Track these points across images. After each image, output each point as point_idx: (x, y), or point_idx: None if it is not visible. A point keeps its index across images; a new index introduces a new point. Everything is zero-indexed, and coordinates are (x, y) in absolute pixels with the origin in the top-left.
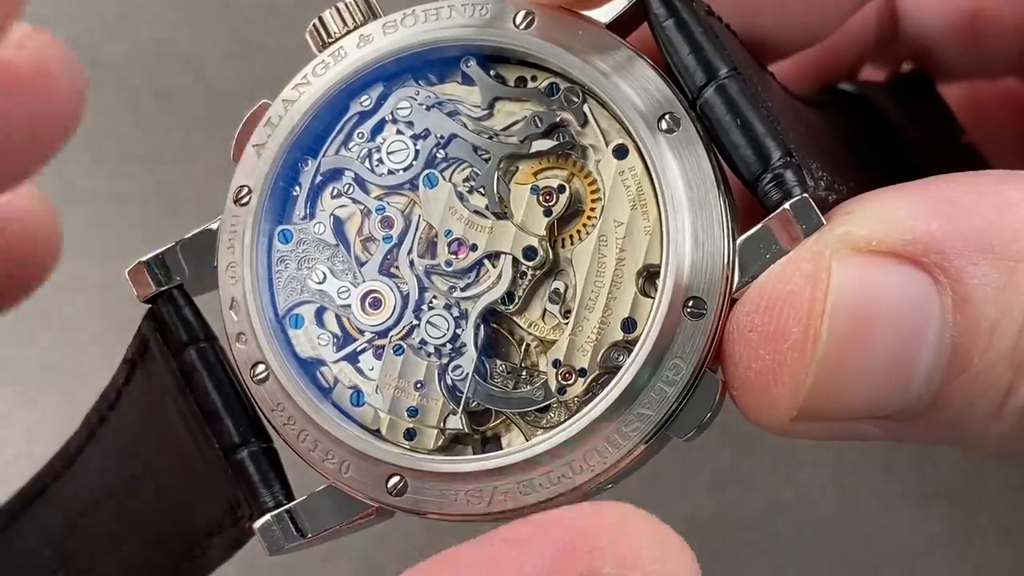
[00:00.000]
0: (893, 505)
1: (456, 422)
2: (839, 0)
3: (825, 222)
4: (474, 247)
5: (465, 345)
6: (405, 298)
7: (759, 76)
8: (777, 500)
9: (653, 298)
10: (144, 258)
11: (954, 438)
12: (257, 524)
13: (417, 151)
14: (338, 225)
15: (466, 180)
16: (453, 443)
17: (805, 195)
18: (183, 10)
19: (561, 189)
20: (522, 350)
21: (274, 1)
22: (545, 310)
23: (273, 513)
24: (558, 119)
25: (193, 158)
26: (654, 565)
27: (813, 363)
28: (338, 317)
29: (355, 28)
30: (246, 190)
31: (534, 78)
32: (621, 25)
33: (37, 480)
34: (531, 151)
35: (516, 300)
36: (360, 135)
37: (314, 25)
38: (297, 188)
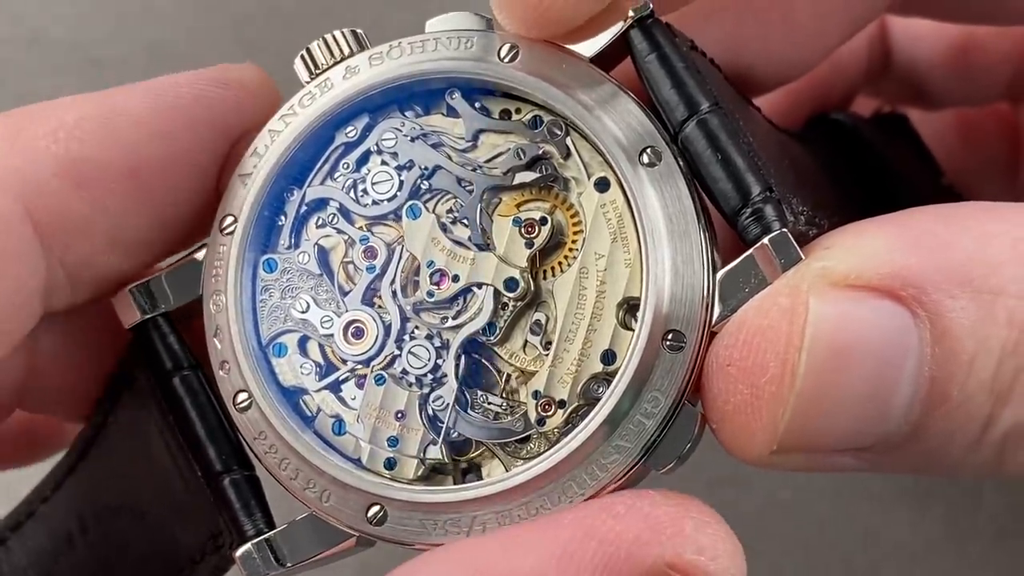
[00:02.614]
0: (890, 506)
1: (436, 452)
2: (821, 35)
3: (804, 256)
4: (456, 278)
5: (446, 375)
6: (387, 328)
7: (743, 110)
8: (774, 501)
9: (633, 330)
10: (130, 286)
11: (934, 468)
12: (238, 552)
13: (401, 182)
14: (322, 255)
15: (449, 211)
16: (433, 473)
17: (784, 230)
18: (183, 10)
19: (543, 221)
20: (503, 381)
21: (274, 1)
22: (526, 341)
23: (254, 541)
24: (541, 151)
25: None
26: (725, 560)
27: (791, 397)
28: (321, 346)
29: (342, 59)
30: (231, 219)
31: (518, 111)
32: (605, 59)
33: (27, 504)
34: (514, 183)
35: (497, 331)
36: (345, 166)
37: (302, 56)
38: (282, 217)
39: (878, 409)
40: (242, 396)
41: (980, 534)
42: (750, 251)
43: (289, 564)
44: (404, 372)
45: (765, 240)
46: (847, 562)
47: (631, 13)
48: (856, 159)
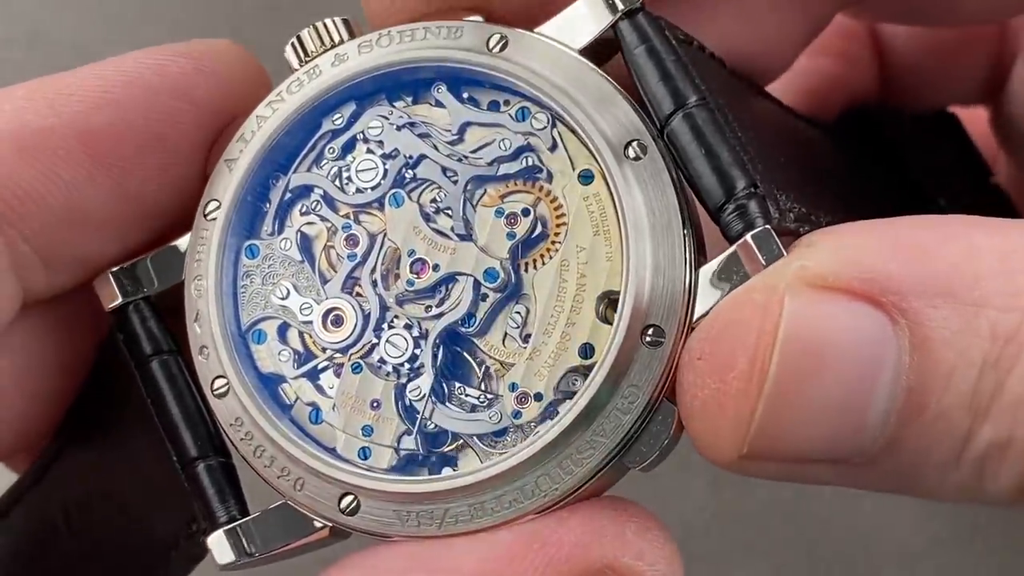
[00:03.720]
0: (892, 505)
1: (410, 442)
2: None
3: (786, 254)
4: (436, 267)
5: (423, 366)
6: (366, 317)
7: (743, 102)
8: (776, 500)
9: (612, 324)
10: (112, 269)
11: (912, 487)
12: (209, 539)
13: (386, 170)
14: (305, 242)
15: (433, 201)
16: (408, 464)
17: (767, 226)
18: (183, 10)
19: (526, 212)
20: (481, 373)
21: (274, 1)
22: (506, 334)
23: (225, 528)
24: (527, 143)
25: None
26: (662, 566)
27: (761, 397)
28: (300, 334)
29: (332, 47)
30: (215, 204)
31: (507, 102)
32: (594, 52)
33: (12, 492)
34: (498, 174)
35: (476, 322)
36: (331, 153)
37: (292, 43)
38: (267, 204)
39: (852, 418)
40: (220, 382)
41: (983, 533)
42: (732, 247)
43: (259, 553)
44: (381, 361)
45: (747, 236)
46: (849, 561)
47: (621, 5)
48: (886, 154)
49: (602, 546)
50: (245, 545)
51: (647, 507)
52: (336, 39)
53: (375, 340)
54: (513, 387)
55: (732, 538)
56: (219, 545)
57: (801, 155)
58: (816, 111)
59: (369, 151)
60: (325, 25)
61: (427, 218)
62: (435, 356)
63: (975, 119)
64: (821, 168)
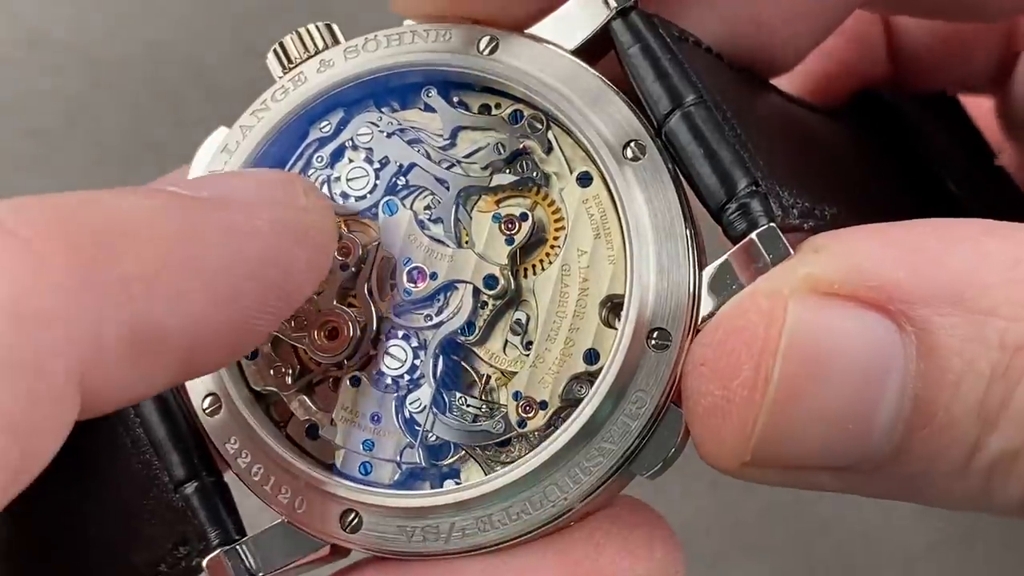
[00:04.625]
0: (892, 507)
1: (413, 456)
2: (809, 21)
3: (792, 252)
4: (434, 276)
5: (423, 377)
6: (363, 328)
7: (743, 97)
8: (776, 502)
9: (616, 329)
10: None
11: (919, 495)
12: (205, 561)
13: (377, 178)
14: None
15: (427, 208)
16: (410, 478)
17: (772, 224)
18: (183, 10)
19: (524, 217)
20: (482, 382)
21: (274, 1)
22: (507, 341)
23: (223, 549)
24: (522, 146)
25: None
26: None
27: (764, 404)
28: (294, 348)
29: (316, 53)
30: None
31: (498, 106)
32: (587, 52)
33: None
34: (492, 184)
35: (476, 331)
36: (320, 161)
37: (275, 50)
38: None
39: (858, 426)
40: (210, 400)
41: (984, 535)
42: (737, 246)
43: (265, 570)
44: (380, 373)
45: (753, 235)
46: (849, 563)
47: (613, 4)
48: (897, 138)
49: (636, 571)
50: (243, 567)
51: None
52: (320, 45)
53: (372, 352)
54: (517, 396)
55: (732, 539)
56: (216, 567)
57: (807, 146)
58: (827, 95)
59: (359, 159)
60: (308, 31)
61: (422, 225)
62: (435, 366)
63: (979, 112)
64: (830, 156)
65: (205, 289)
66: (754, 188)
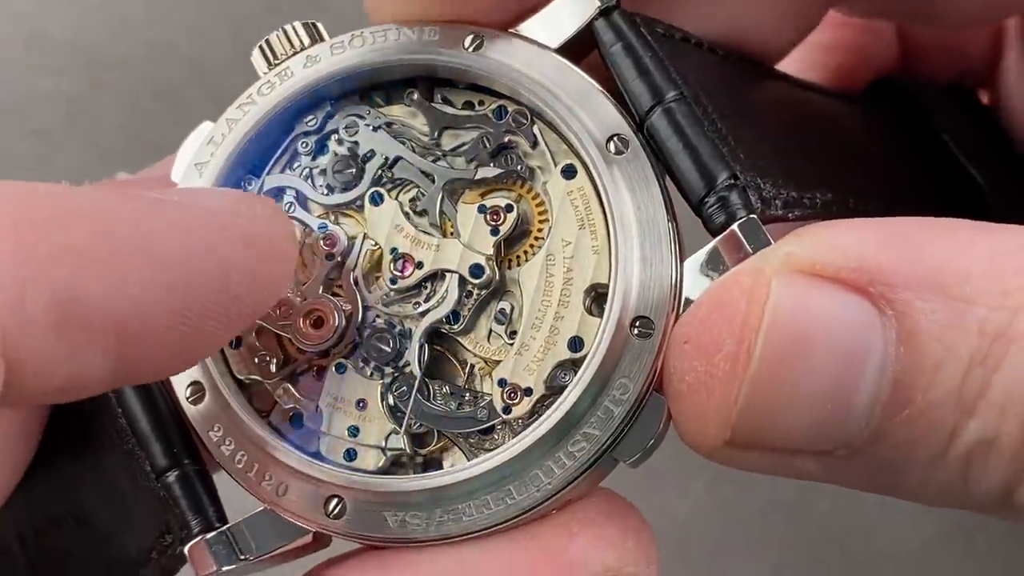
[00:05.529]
0: (893, 503)
1: (398, 442)
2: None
3: (773, 242)
4: (420, 265)
5: (408, 364)
6: (348, 317)
7: (730, 87)
8: (776, 498)
9: (600, 317)
10: None
11: (897, 485)
12: (187, 548)
13: (363, 171)
14: None
15: (412, 200)
16: (394, 465)
17: (753, 216)
18: (183, 10)
19: (509, 208)
20: (466, 371)
21: (274, 1)
22: (491, 331)
23: (207, 536)
24: (507, 141)
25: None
26: (653, 569)
27: (746, 378)
28: (278, 336)
29: (301, 50)
30: None
31: (482, 103)
32: (571, 49)
33: None
34: (476, 178)
35: (461, 320)
36: (305, 153)
37: (260, 47)
38: None
39: (838, 407)
40: (192, 388)
41: (985, 531)
42: (720, 237)
43: (241, 559)
44: (365, 361)
45: (734, 226)
46: (849, 559)
47: (597, 3)
48: (914, 122)
49: (606, 559)
50: (225, 554)
51: (647, 505)
52: (306, 42)
53: (357, 340)
54: (502, 383)
55: (731, 537)
56: (197, 553)
57: (805, 130)
58: (843, 85)
59: (344, 152)
60: (294, 28)
61: (408, 216)
62: (420, 354)
63: None
64: (836, 139)
65: (147, 273)
66: (733, 181)
